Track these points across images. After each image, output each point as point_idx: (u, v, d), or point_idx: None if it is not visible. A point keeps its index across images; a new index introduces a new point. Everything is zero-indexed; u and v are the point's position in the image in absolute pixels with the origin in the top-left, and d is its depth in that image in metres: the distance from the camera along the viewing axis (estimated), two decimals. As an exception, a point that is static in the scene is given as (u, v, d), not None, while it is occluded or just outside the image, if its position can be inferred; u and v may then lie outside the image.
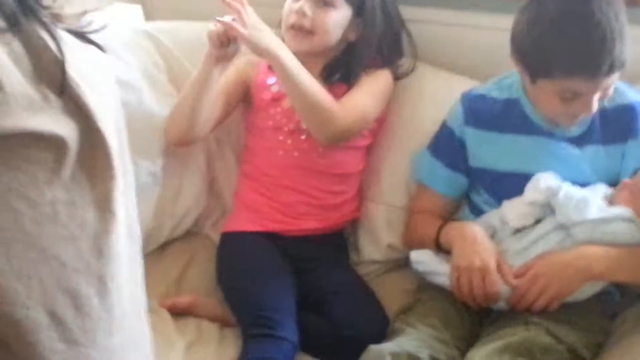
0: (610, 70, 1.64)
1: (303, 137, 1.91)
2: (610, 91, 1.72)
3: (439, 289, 1.78)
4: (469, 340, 1.71)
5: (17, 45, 0.98)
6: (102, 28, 1.13)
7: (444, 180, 1.90)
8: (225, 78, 1.93)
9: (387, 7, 1.93)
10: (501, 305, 1.72)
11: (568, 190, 1.72)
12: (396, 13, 1.98)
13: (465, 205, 1.93)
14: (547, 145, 1.79)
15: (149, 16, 2.20)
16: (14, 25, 0.97)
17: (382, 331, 1.76)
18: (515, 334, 1.62)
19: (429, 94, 2.01)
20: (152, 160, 1.96)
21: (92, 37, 1.13)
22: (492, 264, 1.69)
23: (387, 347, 1.62)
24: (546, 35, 1.65)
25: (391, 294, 1.92)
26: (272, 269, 1.88)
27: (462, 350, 1.67)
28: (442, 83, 2.04)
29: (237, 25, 1.72)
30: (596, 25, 1.61)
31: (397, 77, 1.98)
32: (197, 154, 2.06)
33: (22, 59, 0.98)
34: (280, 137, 1.93)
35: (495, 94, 1.87)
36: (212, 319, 1.88)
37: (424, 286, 1.83)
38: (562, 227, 1.71)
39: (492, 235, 1.78)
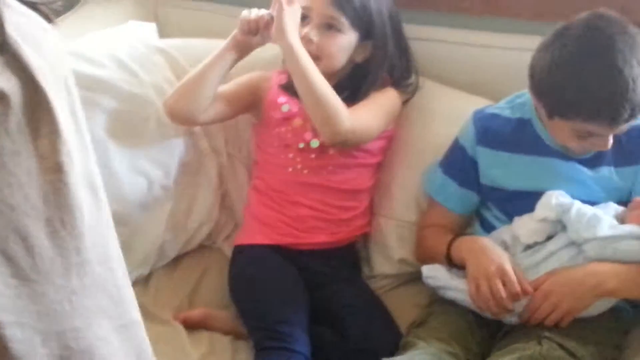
0: (631, 117, 1.64)
1: (313, 155, 1.92)
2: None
3: (450, 304, 1.78)
4: (481, 355, 1.71)
5: None
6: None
7: (455, 197, 1.90)
8: (237, 80, 1.97)
9: (395, 28, 1.94)
10: (513, 320, 1.72)
11: (580, 207, 1.72)
12: (403, 33, 1.98)
13: (476, 220, 1.93)
14: (558, 166, 1.79)
15: (163, 34, 2.21)
16: None
17: (394, 345, 1.76)
18: (528, 349, 1.61)
19: (439, 111, 2.02)
20: (165, 172, 1.97)
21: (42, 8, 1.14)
22: (508, 266, 1.69)
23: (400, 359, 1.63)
24: (567, 79, 1.64)
25: (403, 308, 1.92)
26: (284, 282, 1.88)
27: (475, 364, 1.68)
28: (451, 101, 2.04)
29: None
30: (619, 74, 1.60)
31: (405, 96, 1.98)
32: (209, 168, 2.07)
33: None
34: (290, 155, 1.94)
35: (507, 113, 1.87)
36: (225, 332, 1.89)
37: (436, 300, 1.83)
38: (574, 243, 1.71)
39: (502, 250, 1.76)
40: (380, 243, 2.02)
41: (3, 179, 1.11)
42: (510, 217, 1.81)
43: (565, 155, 1.78)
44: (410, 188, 1.99)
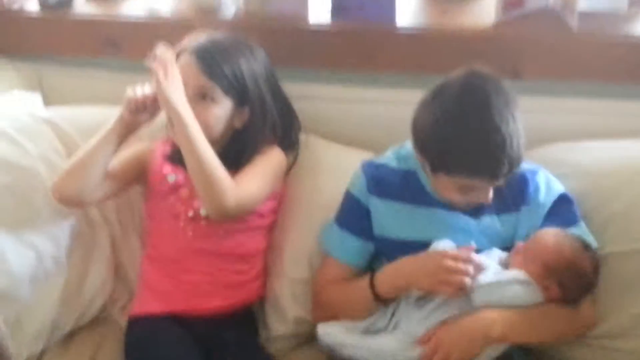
0: (509, 171, 1.68)
1: (203, 222, 1.91)
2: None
3: None
4: None
5: None
6: None
7: (354, 250, 1.89)
8: (121, 156, 1.93)
9: (273, 89, 1.94)
10: None
11: None
12: (282, 92, 1.99)
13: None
14: (444, 217, 1.82)
15: (48, 102, 2.21)
16: None
17: None
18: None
19: (326, 167, 2.04)
20: (55, 244, 1.94)
21: None
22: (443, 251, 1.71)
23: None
24: (448, 138, 1.67)
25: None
26: (179, 352, 1.83)
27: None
28: (337, 156, 2.07)
29: (160, 72, 1.74)
30: (496, 131, 1.64)
31: (291, 154, 2.00)
32: (101, 239, 2.05)
33: None
34: (181, 224, 1.92)
35: (394, 164, 1.89)
36: None
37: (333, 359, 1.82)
38: None
39: (396, 304, 1.78)
40: (274, 303, 2.01)
41: None
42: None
43: (449, 205, 1.81)
44: (301, 246, 1.99)
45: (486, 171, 1.68)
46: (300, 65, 2.11)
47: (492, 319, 1.70)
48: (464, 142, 1.66)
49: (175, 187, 1.93)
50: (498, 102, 1.67)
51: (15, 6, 2.24)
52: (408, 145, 1.88)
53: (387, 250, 1.85)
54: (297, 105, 2.03)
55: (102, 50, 2.22)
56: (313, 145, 2.05)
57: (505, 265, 1.77)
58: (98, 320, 2.05)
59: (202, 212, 1.89)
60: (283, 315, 1.99)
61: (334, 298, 1.89)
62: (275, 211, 2.00)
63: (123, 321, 2.00)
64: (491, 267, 1.74)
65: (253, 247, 1.97)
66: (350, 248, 1.90)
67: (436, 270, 1.69)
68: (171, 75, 1.75)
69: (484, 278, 1.71)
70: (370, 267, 1.91)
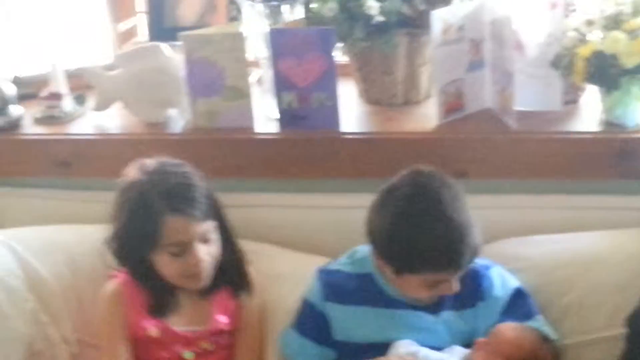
0: (472, 258, 1.72)
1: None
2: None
3: None
4: None
5: None
6: None
7: (314, 357, 1.87)
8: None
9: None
10: None
11: (427, 354, 1.74)
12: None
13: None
14: (404, 316, 1.81)
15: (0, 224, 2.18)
16: None
17: None
18: None
19: (282, 274, 2.02)
20: None
21: None
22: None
23: None
24: (409, 240, 1.69)
25: None
26: None
27: None
28: (292, 262, 2.06)
29: None
30: (452, 223, 1.68)
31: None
32: (60, 358, 2.00)
33: None
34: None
35: (349, 269, 1.90)
36: None
37: None
38: None
39: None
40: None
41: None
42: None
43: (408, 304, 1.81)
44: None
45: (450, 263, 1.71)
46: (249, 175, 2.13)
47: None
48: (424, 240, 1.69)
49: (159, 340, 1.87)
50: (447, 196, 1.71)
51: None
52: (361, 249, 1.90)
53: (350, 354, 1.83)
54: (248, 214, 2.05)
55: (53, 171, 2.21)
56: (268, 254, 2.04)
57: None
58: None
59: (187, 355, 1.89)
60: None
61: None
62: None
63: None
64: None
65: None
66: (309, 354, 1.88)
67: None
68: None
69: None
70: None
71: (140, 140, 2.16)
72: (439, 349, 1.77)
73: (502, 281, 1.86)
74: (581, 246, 1.95)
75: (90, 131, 2.22)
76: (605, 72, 1.90)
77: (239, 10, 2.19)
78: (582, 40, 1.95)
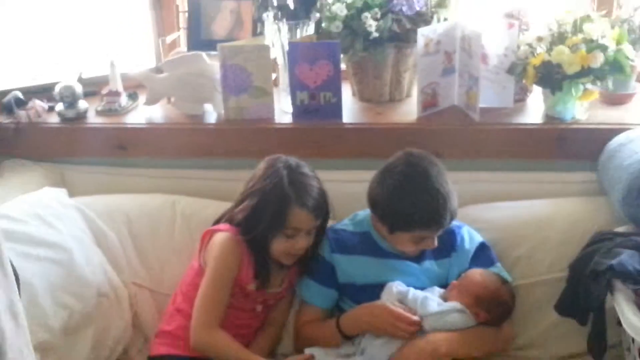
0: (451, 220, 1.78)
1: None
2: None
3: None
4: None
5: None
6: None
7: (323, 296, 1.91)
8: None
9: None
10: None
11: (414, 292, 1.79)
12: None
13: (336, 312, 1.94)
14: (394, 264, 1.86)
15: (70, 194, 2.18)
16: None
17: None
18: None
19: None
20: (84, 303, 1.90)
21: None
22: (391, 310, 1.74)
23: None
24: (403, 205, 1.75)
25: None
26: None
27: None
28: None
29: None
30: (437, 193, 1.74)
31: None
32: (122, 298, 2.04)
33: None
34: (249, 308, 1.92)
35: (350, 228, 1.93)
36: None
37: None
38: None
39: (362, 334, 1.80)
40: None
41: None
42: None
43: (398, 255, 1.86)
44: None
45: (434, 223, 1.76)
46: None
47: (439, 339, 1.73)
48: (416, 206, 1.74)
49: (250, 294, 1.88)
50: (434, 171, 1.76)
51: (39, 119, 2.23)
52: (360, 213, 1.94)
53: (351, 293, 1.88)
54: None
55: (112, 152, 2.21)
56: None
57: (444, 298, 1.81)
58: (120, 361, 2.00)
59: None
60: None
61: (310, 334, 1.91)
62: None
63: (141, 360, 1.96)
64: (434, 301, 1.78)
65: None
66: (321, 295, 1.91)
67: (384, 324, 1.75)
68: None
69: (431, 309, 1.75)
70: (339, 306, 1.93)
71: (182, 129, 2.17)
72: (422, 289, 1.82)
73: (470, 237, 1.90)
74: (530, 211, 1.99)
75: (142, 121, 2.22)
76: (551, 77, 1.93)
77: (262, 27, 2.17)
78: (533, 53, 1.98)
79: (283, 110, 2.21)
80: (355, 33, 2.07)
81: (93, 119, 2.26)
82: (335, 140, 2.11)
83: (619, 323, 1.62)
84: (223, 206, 1.99)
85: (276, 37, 2.15)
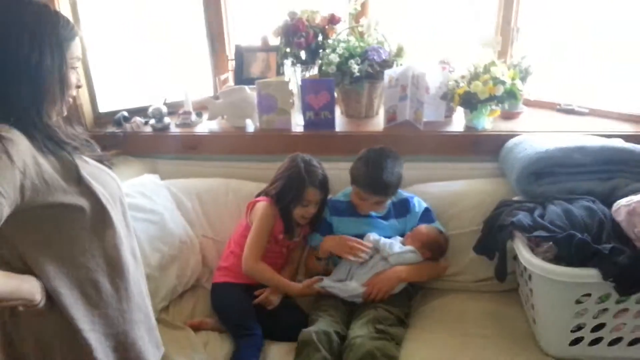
0: (393, 192, 1.76)
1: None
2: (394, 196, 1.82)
3: (330, 296, 1.76)
4: (349, 320, 1.71)
5: (53, 161, 1.03)
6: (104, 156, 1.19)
7: (319, 241, 1.87)
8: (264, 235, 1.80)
9: None
10: (360, 300, 1.73)
11: (384, 240, 1.77)
12: None
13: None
14: (370, 221, 1.84)
15: (162, 178, 2.14)
16: (53, 152, 1.03)
17: (305, 321, 1.72)
18: (371, 313, 1.65)
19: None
20: (171, 248, 1.87)
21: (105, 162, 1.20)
22: (349, 238, 1.74)
23: (311, 328, 1.61)
24: (368, 176, 1.73)
25: (307, 300, 1.84)
26: (242, 301, 1.79)
27: (346, 325, 1.67)
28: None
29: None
30: (386, 171, 1.71)
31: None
32: (195, 245, 1.99)
33: (58, 168, 1.03)
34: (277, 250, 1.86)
35: (342, 198, 1.91)
36: (213, 330, 1.78)
37: (322, 296, 1.79)
38: (383, 258, 1.76)
39: (351, 266, 1.76)
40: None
41: (85, 254, 1.09)
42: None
43: (371, 216, 1.84)
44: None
45: (383, 191, 1.73)
46: (288, 152, 2.00)
47: (401, 270, 1.73)
48: (374, 178, 1.71)
49: (280, 241, 1.85)
50: (389, 157, 1.74)
51: (139, 130, 2.20)
52: (348, 189, 1.90)
53: None
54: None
55: (187, 151, 2.18)
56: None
57: (403, 244, 1.80)
58: (195, 286, 1.99)
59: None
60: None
61: (308, 264, 1.90)
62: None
63: (207, 286, 1.94)
64: (397, 245, 1.77)
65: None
66: (317, 240, 1.88)
67: (343, 247, 1.73)
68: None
69: (395, 250, 1.74)
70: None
71: (232, 135, 2.12)
72: (388, 237, 1.80)
73: (419, 204, 1.88)
74: (456, 187, 1.93)
75: (205, 131, 2.17)
76: (470, 101, 1.91)
77: (284, 69, 2.14)
78: (458, 85, 1.95)
79: (297, 124, 2.17)
80: (344, 73, 2.04)
81: (174, 130, 2.22)
82: (331, 142, 2.08)
83: (515, 258, 1.62)
84: (260, 186, 1.96)
85: (293, 76, 2.12)
